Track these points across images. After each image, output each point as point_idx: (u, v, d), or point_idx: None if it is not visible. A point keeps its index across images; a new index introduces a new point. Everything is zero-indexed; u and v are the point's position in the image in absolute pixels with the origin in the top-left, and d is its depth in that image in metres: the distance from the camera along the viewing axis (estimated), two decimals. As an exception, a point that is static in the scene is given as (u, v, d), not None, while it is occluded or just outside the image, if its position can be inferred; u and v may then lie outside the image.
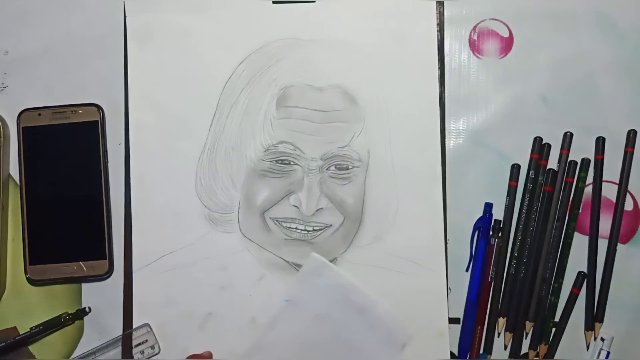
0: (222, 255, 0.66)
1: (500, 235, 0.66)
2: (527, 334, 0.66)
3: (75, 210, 0.66)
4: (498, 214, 0.66)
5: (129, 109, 0.67)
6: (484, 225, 0.66)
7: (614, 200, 0.66)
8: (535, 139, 0.66)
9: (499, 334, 0.66)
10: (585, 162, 0.66)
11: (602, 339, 0.65)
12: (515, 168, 0.66)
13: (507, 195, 0.66)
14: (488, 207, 0.66)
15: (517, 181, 0.66)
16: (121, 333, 0.65)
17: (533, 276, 0.65)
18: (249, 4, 0.68)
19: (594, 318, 0.65)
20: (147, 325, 0.65)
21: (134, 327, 0.65)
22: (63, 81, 0.68)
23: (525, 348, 0.66)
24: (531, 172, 0.66)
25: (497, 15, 0.68)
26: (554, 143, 0.67)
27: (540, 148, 0.66)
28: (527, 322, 0.65)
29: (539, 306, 0.65)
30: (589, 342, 0.66)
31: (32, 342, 0.65)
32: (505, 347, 0.66)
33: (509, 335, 0.65)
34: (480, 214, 0.66)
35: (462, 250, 0.66)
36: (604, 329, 0.65)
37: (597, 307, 0.65)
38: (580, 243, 0.66)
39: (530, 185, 0.66)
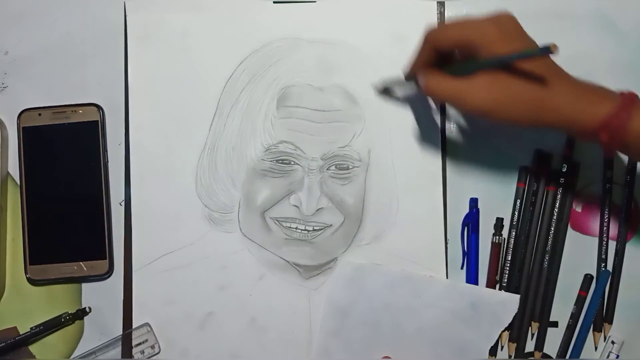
0: (222, 255, 0.66)
1: (501, 233, 0.66)
2: (533, 335, 0.66)
3: (75, 210, 0.66)
4: (500, 213, 0.66)
5: (129, 109, 0.67)
6: (471, 220, 0.66)
7: (614, 201, 0.66)
8: (535, 151, 0.66)
9: (502, 347, 0.66)
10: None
11: (613, 342, 0.65)
12: (524, 171, 0.66)
13: (516, 198, 0.66)
14: (473, 202, 0.66)
15: (526, 184, 0.66)
16: (120, 333, 0.65)
17: (538, 276, 0.65)
18: (249, 4, 0.68)
19: (603, 319, 0.65)
20: (147, 325, 0.65)
21: (134, 326, 0.65)
22: (63, 81, 0.68)
23: (530, 347, 0.66)
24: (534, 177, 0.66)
25: (497, 15, 0.68)
26: (554, 143, 0.67)
27: (541, 159, 0.66)
28: (533, 323, 0.65)
29: (544, 307, 0.65)
30: (597, 344, 0.66)
31: (32, 342, 0.65)
32: (510, 357, 0.65)
33: (513, 346, 0.65)
34: (479, 214, 0.66)
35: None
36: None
37: (606, 308, 0.66)
38: (582, 244, 0.66)
39: (534, 184, 0.66)
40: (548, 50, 0.52)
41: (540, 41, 0.67)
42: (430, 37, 0.57)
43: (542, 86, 0.55)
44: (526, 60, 0.55)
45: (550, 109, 0.55)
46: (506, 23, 0.56)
